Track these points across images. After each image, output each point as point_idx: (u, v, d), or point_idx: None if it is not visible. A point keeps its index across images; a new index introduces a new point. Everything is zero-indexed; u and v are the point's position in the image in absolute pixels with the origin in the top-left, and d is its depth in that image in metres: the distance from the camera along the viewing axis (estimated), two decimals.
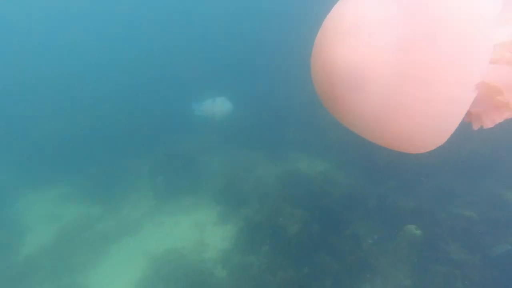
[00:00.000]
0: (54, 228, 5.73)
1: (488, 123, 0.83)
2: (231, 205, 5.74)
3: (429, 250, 3.84)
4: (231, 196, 5.86)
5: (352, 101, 0.82)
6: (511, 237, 3.65)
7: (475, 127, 0.85)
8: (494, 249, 3.61)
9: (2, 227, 5.80)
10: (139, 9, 15.01)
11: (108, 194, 6.29)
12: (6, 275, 5.04)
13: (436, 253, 3.78)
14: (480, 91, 0.73)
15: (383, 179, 5.42)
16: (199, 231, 5.48)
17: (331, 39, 0.86)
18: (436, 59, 0.70)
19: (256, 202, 5.59)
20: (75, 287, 4.81)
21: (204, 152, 6.96)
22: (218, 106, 6.43)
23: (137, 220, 5.81)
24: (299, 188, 5.63)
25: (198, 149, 7.02)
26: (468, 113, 0.85)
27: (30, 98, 9.40)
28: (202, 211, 5.81)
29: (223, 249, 5.03)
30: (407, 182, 5.15)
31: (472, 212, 4.18)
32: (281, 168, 6.33)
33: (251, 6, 13.01)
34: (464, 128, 0.86)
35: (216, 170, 6.55)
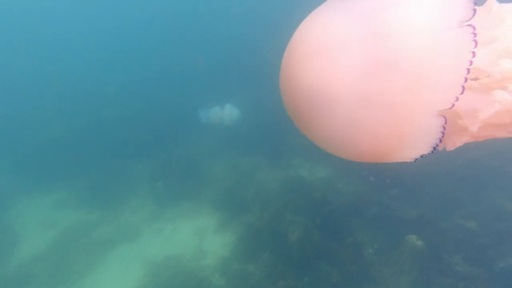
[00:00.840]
0: (50, 235, 5.65)
1: (450, 146, 0.84)
2: (231, 211, 5.68)
3: (431, 261, 3.78)
4: (231, 202, 5.81)
5: (316, 122, 0.83)
6: None
7: (440, 147, 0.85)
8: (498, 263, 3.55)
9: None
10: (149, 12, 15.03)
11: (107, 199, 6.23)
12: None
13: (438, 264, 3.72)
14: (442, 114, 0.74)
15: (385, 187, 5.38)
16: (199, 238, 5.42)
17: (295, 61, 0.87)
18: (397, 88, 0.71)
19: (257, 209, 5.53)
20: None
21: (205, 157, 6.92)
22: (226, 113, 6.40)
23: (136, 226, 5.74)
24: (300, 195, 5.58)
25: (198, 154, 6.99)
26: None
27: (29, 101, 9.39)
28: (202, 218, 5.76)
29: (222, 256, 4.96)
30: (409, 191, 5.11)
31: (475, 223, 4.12)
32: (283, 174, 6.29)
33: (260, 13, 13.08)
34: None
35: (217, 176, 6.51)
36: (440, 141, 0.76)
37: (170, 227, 5.67)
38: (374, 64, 0.73)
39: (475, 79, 0.79)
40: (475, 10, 0.68)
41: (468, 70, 0.69)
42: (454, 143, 0.83)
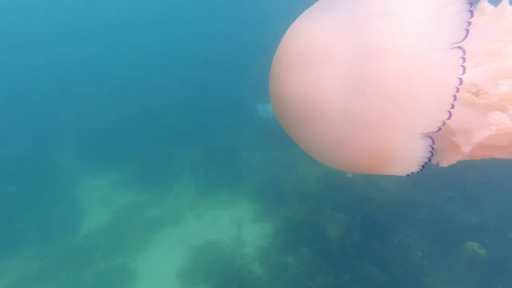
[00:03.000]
0: (108, 212, 6.32)
1: (443, 162, 0.82)
2: (269, 203, 5.74)
3: (496, 273, 3.39)
4: (270, 194, 5.86)
5: (302, 133, 0.83)
6: None
7: (433, 161, 0.84)
8: None
9: (65, 208, 6.57)
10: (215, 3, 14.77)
11: (154, 183, 6.73)
12: (69, 250, 5.70)
13: (505, 277, 3.32)
14: (431, 134, 0.73)
15: (436, 188, 4.94)
16: (237, 226, 5.58)
17: (282, 69, 0.84)
18: (381, 108, 0.69)
19: (295, 202, 5.50)
20: (126, 268, 5.24)
21: (245, 148, 7.07)
22: None
23: (179, 210, 6.12)
24: (341, 192, 5.41)
25: (239, 145, 7.15)
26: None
27: (88, 89, 10.45)
28: (241, 207, 5.91)
29: (260, 246, 5.05)
30: (468, 194, 4.62)
31: None
32: (322, 169, 6.15)
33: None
34: None
35: (255, 168, 6.61)
36: (430, 159, 0.74)
37: (210, 214, 5.93)
38: (359, 82, 0.70)
39: (476, 93, 0.74)
40: (467, 31, 0.64)
41: (455, 96, 0.66)
42: (447, 160, 0.80)
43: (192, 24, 14.16)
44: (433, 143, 0.72)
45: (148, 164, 7.12)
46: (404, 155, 0.74)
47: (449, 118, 0.67)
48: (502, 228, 3.85)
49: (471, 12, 0.64)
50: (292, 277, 4.39)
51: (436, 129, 0.69)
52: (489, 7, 0.78)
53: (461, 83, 0.65)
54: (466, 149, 0.75)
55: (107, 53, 13.20)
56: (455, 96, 0.65)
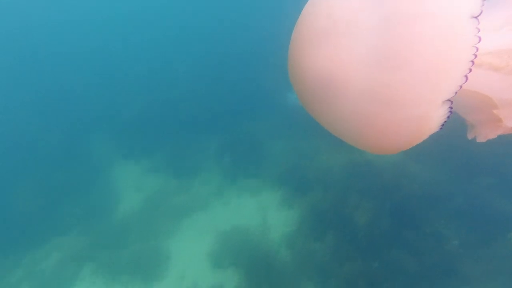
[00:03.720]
0: (140, 197, 6.68)
1: (481, 137, 0.79)
2: (294, 190, 5.74)
3: None
4: (294, 181, 5.85)
5: (324, 106, 0.81)
6: None
7: (470, 136, 0.82)
8: None
9: (102, 194, 7.03)
10: None
11: (181, 170, 6.96)
12: (108, 232, 6.15)
13: None
14: (476, 101, 0.71)
15: (472, 175, 4.64)
16: (263, 213, 5.67)
17: (302, 45, 0.81)
18: (405, 81, 0.67)
19: (320, 190, 5.46)
20: (159, 250, 5.56)
21: (269, 136, 7.05)
22: None
23: (205, 197, 6.32)
24: (366, 180, 5.27)
25: (263, 133, 7.15)
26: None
27: (115, 79, 10.87)
28: (266, 194, 5.97)
29: (286, 233, 5.11)
30: (510, 181, 4.30)
31: None
32: (347, 157, 6.00)
33: None
34: None
35: (280, 156, 6.60)
36: (474, 129, 0.72)
37: (236, 200, 6.06)
38: (383, 55, 0.66)
39: None
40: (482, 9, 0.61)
41: (473, 61, 0.63)
42: (486, 134, 0.78)
43: (216, 11, 13.98)
44: (451, 105, 0.69)
45: (175, 152, 7.36)
46: (430, 127, 0.71)
47: (466, 81, 0.64)
48: None
49: None
50: (320, 263, 4.42)
51: (453, 94, 0.66)
52: None
53: (477, 50, 0.61)
54: (509, 123, 0.72)
55: (131, 45, 13.51)
56: (473, 60, 0.62)
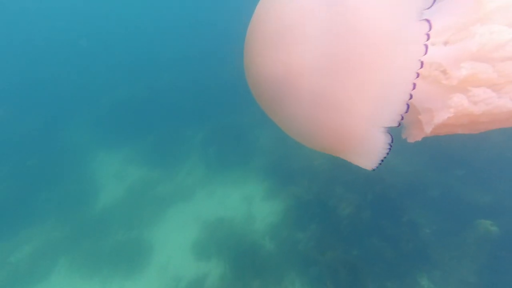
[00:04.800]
0: (122, 187, 6.44)
1: (410, 138, 0.85)
2: (278, 181, 5.80)
3: (508, 250, 3.49)
4: (279, 172, 5.90)
5: (277, 108, 0.82)
6: None
7: (403, 136, 0.87)
8: None
9: (81, 182, 6.68)
10: None
11: (165, 159, 6.78)
12: (88, 222, 5.87)
13: None
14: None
15: (448, 167, 4.95)
16: (247, 203, 5.69)
17: (254, 48, 0.82)
18: (352, 88, 0.69)
19: (305, 181, 5.55)
20: (142, 240, 5.42)
21: (255, 127, 7.03)
22: None
23: (190, 187, 6.21)
24: (351, 171, 5.44)
25: (248, 124, 7.10)
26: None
27: (97, 66, 10.23)
28: (251, 185, 5.98)
29: (270, 223, 5.18)
30: (480, 173, 4.64)
31: None
32: None
33: None
34: None
35: (265, 146, 6.61)
36: (388, 154, 0.76)
37: (221, 191, 6.02)
38: (329, 61, 0.68)
39: (444, 72, 0.75)
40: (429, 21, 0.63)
41: (414, 85, 0.66)
42: (414, 136, 0.83)
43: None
44: (392, 140, 0.74)
45: (159, 141, 7.15)
46: (366, 146, 0.75)
47: (410, 98, 0.67)
48: None
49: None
50: (303, 252, 4.54)
51: (397, 124, 0.70)
52: None
53: (421, 66, 0.64)
54: (428, 129, 0.77)
55: (114, 31, 12.70)
56: (414, 85, 0.65)
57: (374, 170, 0.81)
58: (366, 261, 4.18)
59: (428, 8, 0.64)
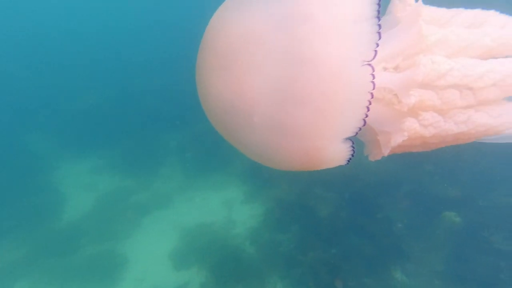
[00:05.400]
0: (92, 198, 6.07)
1: (371, 157, 0.91)
2: (259, 184, 5.78)
3: (470, 239, 3.73)
4: (259, 175, 5.88)
5: (235, 136, 0.82)
6: None
7: (365, 153, 0.92)
8: None
9: (45, 194, 6.20)
10: None
11: (139, 167, 6.50)
12: (54, 237, 5.47)
13: (478, 242, 3.67)
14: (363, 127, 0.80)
15: (418, 163, 5.22)
16: (227, 208, 5.61)
17: (205, 70, 0.81)
18: (304, 116, 0.70)
19: (285, 184, 5.59)
20: (116, 253, 5.15)
21: None
22: None
23: (167, 194, 6.01)
24: (329, 172, 5.53)
25: None
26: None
27: (62, 70, 9.55)
28: (230, 189, 5.91)
29: (251, 226, 5.15)
30: (446, 168, 4.93)
31: None
32: None
33: None
34: None
35: None
36: (353, 155, 0.79)
37: (200, 197, 5.89)
38: (282, 90, 0.69)
39: (396, 96, 0.80)
40: (376, 52, 0.67)
41: (369, 107, 0.69)
42: (374, 155, 0.90)
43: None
44: (353, 144, 0.77)
45: (132, 148, 6.83)
46: (330, 158, 0.78)
47: (364, 125, 0.71)
48: (476, 197, 4.19)
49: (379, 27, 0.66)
50: (284, 254, 4.57)
51: (355, 133, 0.73)
52: (410, 3, 0.81)
53: (372, 96, 0.67)
54: (386, 151, 0.83)
55: (82, 31, 11.91)
56: (368, 106, 0.68)
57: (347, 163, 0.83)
58: (345, 259, 4.29)
59: (372, 57, 0.67)
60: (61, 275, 4.88)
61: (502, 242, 3.56)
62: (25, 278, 4.92)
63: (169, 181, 6.21)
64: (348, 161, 0.80)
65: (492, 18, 0.85)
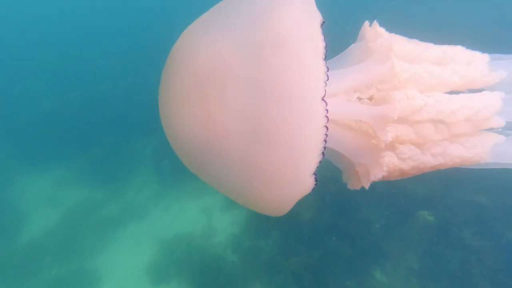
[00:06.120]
0: (56, 213, 5.58)
1: (350, 186, 0.93)
2: None
3: (443, 236, 3.90)
4: None
5: (200, 167, 0.82)
6: None
7: (344, 179, 0.93)
8: (506, 235, 3.67)
9: (0, 211, 5.61)
10: None
11: (110, 177, 6.09)
12: (10, 261, 4.94)
13: (450, 239, 3.84)
14: (340, 158, 0.85)
15: None
16: (206, 216, 5.43)
17: (169, 102, 0.79)
18: (270, 155, 0.70)
19: None
20: (85, 271, 4.77)
21: None
22: None
23: (142, 204, 5.70)
24: None
25: None
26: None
27: (18, 75, 8.70)
28: (208, 196, 5.73)
29: (232, 234, 5.02)
30: None
31: (484, 198, 4.20)
32: None
33: None
34: None
35: None
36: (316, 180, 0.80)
37: (177, 205, 5.64)
38: (249, 125, 0.67)
39: (371, 128, 0.81)
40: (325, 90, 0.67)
41: (324, 149, 0.71)
42: (353, 185, 0.92)
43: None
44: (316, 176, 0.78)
45: (100, 157, 6.36)
46: (300, 191, 0.78)
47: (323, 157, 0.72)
48: (445, 196, 4.39)
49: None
50: (266, 261, 4.50)
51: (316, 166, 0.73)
52: (382, 34, 0.82)
53: (327, 131, 0.68)
54: (365, 184, 0.84)
55: (36, 27, 10.92)
56: (324, 149, 0.70)
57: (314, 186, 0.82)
58: (327, 262, 4.30)
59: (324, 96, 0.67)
60: None
61: (472, 237, 3.75)
62: None
63: (144, 190, 5.89)
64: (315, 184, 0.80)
65: (460, 54, 0.89)
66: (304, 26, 0.66)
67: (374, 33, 0.83)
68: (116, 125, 6.95)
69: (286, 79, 0.64)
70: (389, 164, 0.80)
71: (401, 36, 0.85)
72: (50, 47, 9.73)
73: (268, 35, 0.65)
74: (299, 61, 0.65)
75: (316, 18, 0.69)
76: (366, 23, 0.85)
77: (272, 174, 0.71)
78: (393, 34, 0.84)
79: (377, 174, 0.80)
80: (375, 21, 0.84)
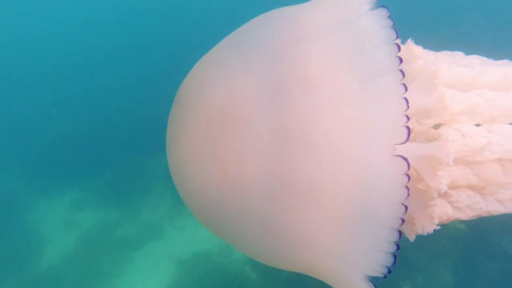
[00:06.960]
0: (74, 236, 5.62)
1: (410, 237, 0.86)
2: None
3: (477, 245, 3.61)
4: None
5: (220, 229, 0.75)
6: None
7: (410, 237, 0.86)
8: None
9: (20, 237, 5.71)
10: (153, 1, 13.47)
11: (124, 197, 6.11)
12: (31, 285, 4.99)
13: (486, 247, 3.55)
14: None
15: None
16: None
17: (184, 156, 0.73)
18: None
19: None
20: None
21: None
22: None
23: (157, 223, 5.66)
24: None
25: None
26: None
27: (28, 98, 9.01)
28: None
29: None
30: None
31: None
32: None
33: None
34: None
35: None
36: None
37: (192, 223, 5.57)
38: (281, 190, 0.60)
39: (417, 171, 0.74)
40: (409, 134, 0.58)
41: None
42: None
43: (144, 18, 12.65)
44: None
45: (114, 177, 6.41)
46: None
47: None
48: None
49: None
50: (287, 277, 4.32)
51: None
52: (420, 55, 0.68)
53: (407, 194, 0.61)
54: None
55: (46, 54, 11.35)
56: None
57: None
58: None
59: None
60: None
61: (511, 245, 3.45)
62: None
63: (157, 209, 5.85)
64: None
65: None
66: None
67: (409, 53, 0.68)
68: (128, 143, 7.01)
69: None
70: (442, 215, 0.68)
71: (446, 53, 0.69)
72: (61, 68, 10.05)
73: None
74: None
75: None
76: (398, 41, 0.68)
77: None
78: (436, 53, 0.68)
79: (426, 227, 0.68)
80: (409, 40, 0.68)
